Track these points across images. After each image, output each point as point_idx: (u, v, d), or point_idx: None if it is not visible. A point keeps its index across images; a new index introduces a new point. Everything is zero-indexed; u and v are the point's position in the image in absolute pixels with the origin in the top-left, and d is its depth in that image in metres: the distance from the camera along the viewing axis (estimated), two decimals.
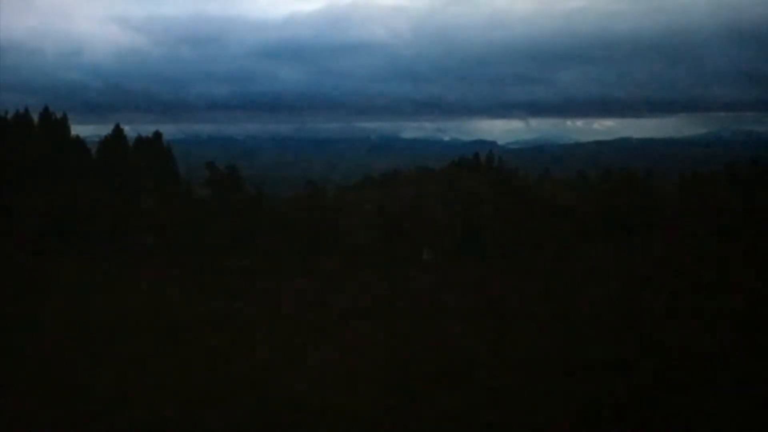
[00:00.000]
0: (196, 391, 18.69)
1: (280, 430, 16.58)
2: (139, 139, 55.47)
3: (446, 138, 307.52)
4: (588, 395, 18.21)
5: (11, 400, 17.81)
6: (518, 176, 67.03)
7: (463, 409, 17.64)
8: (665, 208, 51.58)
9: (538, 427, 16.56)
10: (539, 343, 23.55)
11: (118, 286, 33.48)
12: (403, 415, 17.23)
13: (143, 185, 49.88)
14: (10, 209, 42.76)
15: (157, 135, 56.06)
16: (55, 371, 20.29)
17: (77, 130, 55.52)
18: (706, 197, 52.96)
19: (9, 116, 52.25)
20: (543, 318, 27.23)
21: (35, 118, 53.03)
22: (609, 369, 20.53)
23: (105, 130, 55.90)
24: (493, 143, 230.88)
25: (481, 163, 68.96)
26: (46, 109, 53.76)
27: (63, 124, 54.01)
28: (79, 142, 54.47)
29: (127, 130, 55.67)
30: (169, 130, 76.64)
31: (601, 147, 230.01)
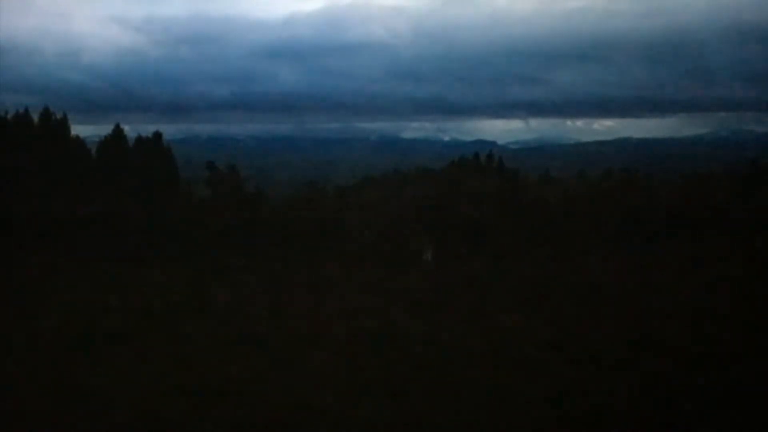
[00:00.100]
0: (195, 391, 18.69)
1: (280, 429, 16.59)
2: (139, 139, 55.45)
3: (446, 138, 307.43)
4: (590, 394, 18.20)
5: (10, 399, 17.82)
6: (518, 176, 67.06)
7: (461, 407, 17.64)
8: (665, 208, 51.55)
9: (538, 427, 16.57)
10: (539, 344, 23.55)
11: (118, 287, 33.45)
12: (398, 415, 17.24)
13: (143, 185, 49.85)
14: (10, 209, 42.75)
15: (157, 135, 56.04)
16: (55, 371, 20.29)
17: (77, 130, 55.54)
18: (706, 197, 52.97)
19: (9, 116, 52.25)
20: (543, 318, 27.22)
21: (35, 118, 53.02)
22: (610, 369, 20.54)
23: (105, 130, 55.92)
24: (493, 143, 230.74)
25: (481, 163, 68.97)
26: (46, 109, 53.75)
27: (63, 124, 53.99)
28: (79, 142, 54.46)
29: (127, 130, 55.68)
30: (169, 130, 76.66)
31: (601, 147, 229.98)
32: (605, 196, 54.63)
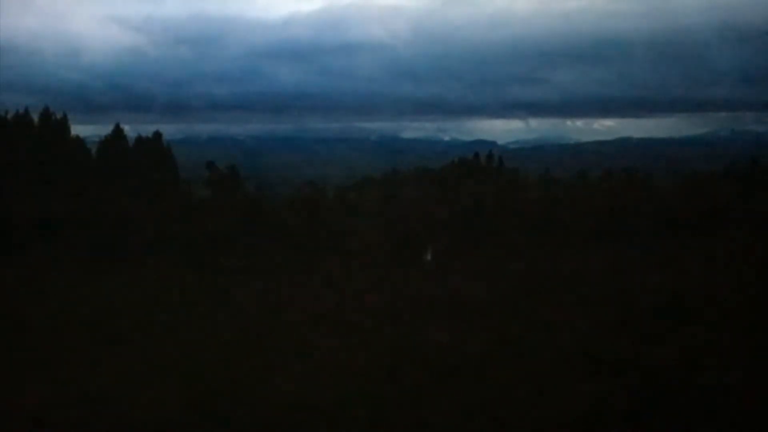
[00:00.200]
0: (192, 391, 18.68)
1: (280, 429, 16.59)
2: (139, 139, 55.49)
3: (446, 138, 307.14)
4: (591, 394, 18.20)
5: (10, 399, 17.82)
6: (518, 176, 67.06)
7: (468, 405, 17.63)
8: (665, 208, 51.53)
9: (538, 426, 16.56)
10: (540, 343, 23.54)
11: (118, 286, 33.44)
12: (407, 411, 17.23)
13: (143, 185, 49.84)
14: (10, 209, 42.73)
15: (157, 135, 56.08)
16: (54, 370, 20.28)
17: (77, 130, 55.58)
18: (706, 197, 52.94)
19: (9, 116, 52.24)
20: (543, 318, 27.21)
21: (35, 118, 53.02)
22: (612, 368, 20.53)
23: (105, 130, 55.96)
24: (493, 143, 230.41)
25: (481, 163, 68.99)
26: (46, 109, 53.76)
27: (63, 124, 54.00)
28: (79, 142, 54.48)
29: (127, 130, 55.72)
30: (169, 130, 76.55)
31: (601, 147, 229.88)
32: (605, 196, 54.61)
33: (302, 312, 28.92)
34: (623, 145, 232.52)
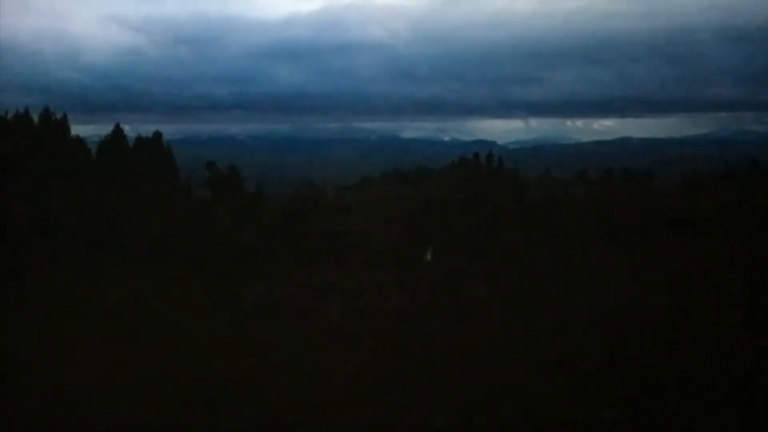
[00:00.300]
0: (192, 391, 18.66)
1: (280, 429, 16.57)
2: (139, 139, 55.45)
3: (446, 138, 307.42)
4: (592, 394, 18.19)
5: (9, 399, 17.80)
6: (518, 176, 67.07)
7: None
8: (665, 208, 51.52)
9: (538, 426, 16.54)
10: (541, 343, 23.52)
11: (117, 286, 33.42)
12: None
13: (143, 185, 49.81)
14: (10, 209, 42.69)
15: (157, 135, 56.04)
16: (54, 371, 20.26)
17: (77, 130, 55.52)
18: (706, 197, 52.94)
19: (9, 116, 52.22)
20: (543, 318, 27.20)
21: (35, 118, 52.99)
22: (614, 368, 20.52)
23: (105, 130, 55.93)
24: (493, 143, 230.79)
25: (481, 163, 69.00)
26: (46, 109, 53.72)
27: (63, 124, 53.97)
28: (79, 142, 54.45)
29: (127, 130, 55.67)
30: (169, 130, 76.56)
31: (601, 147, 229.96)
32: (605, 196, 54.61)
33: (302, 312, 28.91)
34: (623, 145, 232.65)
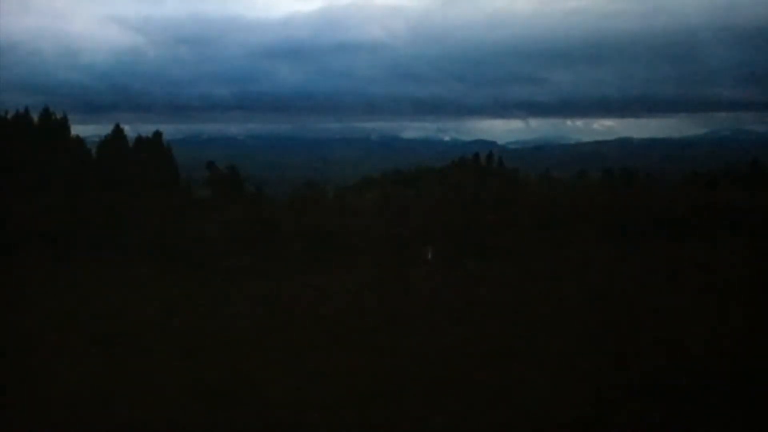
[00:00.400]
0: (197, 392, 18.67)
1: (279, 429, 16.58)
2: (139, 139, 55.59)
3: (446, 138, 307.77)
4: (591, 394, 18.19)
5: (9, 401, 17.81)
6: (518, 176, 67.18)
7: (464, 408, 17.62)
8: (665, 208, 51.54)
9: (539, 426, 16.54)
10: (541, 343, 23.51)
11: (117, 286, 33.43)
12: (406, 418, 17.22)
13: (143, 185, 49.88)
14: (9, 209, 42.73)
15: (157, 135, 56.20)
16: (55, 372, 20.27)
17: (77, 130, 55.72)
18: (706, 197, 53.00)
19: (9, 116, 52.28)
20: (544, 318, 27.19)
21: (35, 118, 53.07)
22: (612, 368, 20.51)
23: (105, 130, 56.11)
24: (493, 143, 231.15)
25: (481, 163, 69.14)
26: (46, 109, 53.88)
27: (63, 124, 54.09)
28: (79, 142, 54.57)
29: (127, 130, 55.82)
30: (169, 130, 76.79)
31: (601, 147, 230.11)
32: (605, 196, 54.66)
33: (303, 312, 28.90)
34: (623, 145, 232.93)
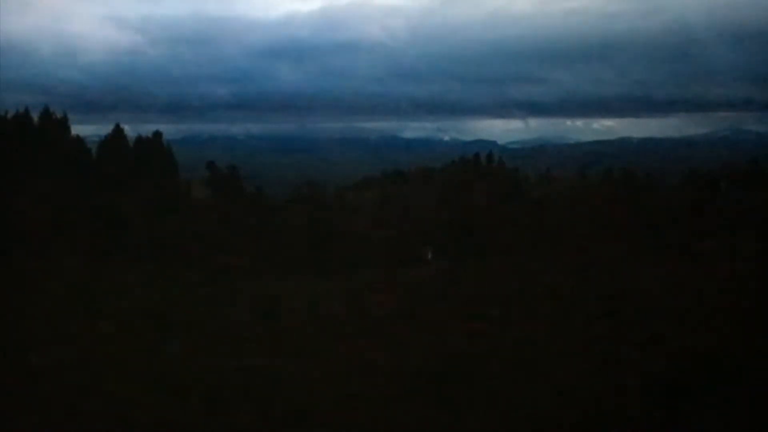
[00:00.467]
0: (192, 391, 18.66)
1: (279, 428, 16.57)
2: (139, 139, 55.54)
3: (446, 138, 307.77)
4: (591, 395, 18.19)
5: (10, 400, 17.80)
6: (518, 176, 67.16)
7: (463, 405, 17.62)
8: (665, 208, 51.55)
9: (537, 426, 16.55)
10: (541, 342, 23.53)
11: (117, 286, 33.44)
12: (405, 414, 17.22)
13: (143, 185, 49.86)
14: (10, 209, 42.68)
15: (157, 135, 56.15)
16: (56, 373, 20.26)
17: (77, 129, 55.65)
18: (706, 197, 53.00)
19: (9, 116, 52.25)
20: (544, 317, 27.20)
21: (35, 118, 53.04)
22: (613, 368, 20.52)
23: (105, 130, 56.06)
24: (493, 143, 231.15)
25: (481, 163, 69.07)
26: (46, 109, 53.82)
27: (63, 124, 54.04)
28: (79, 141, 54.52)
29: (127, 130, 55.77)
30: (169, 130, 76.76)
31: (601, 147, 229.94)
32: (605, 196, 54.65)
33: (303, 312, 28.91)
34: (623, 145, 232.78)
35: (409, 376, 19.99)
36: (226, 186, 55.09)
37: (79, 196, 45.86)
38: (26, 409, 17.24)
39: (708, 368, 19.86)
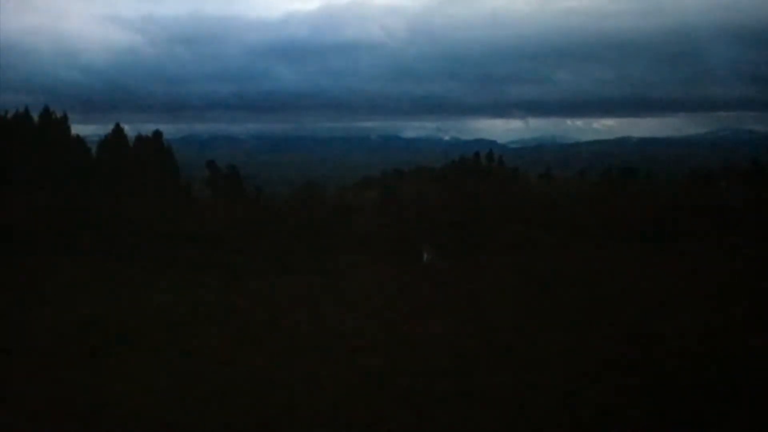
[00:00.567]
0: (201, 392, 18.67)
1: (280, 428, 16.58)
2: (139, 139, 55.57)
3: (446, 137, 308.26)
4: (590, 395, 18.18)
5: (10, 401, 17.81)
6: (518, 175, 67.19)
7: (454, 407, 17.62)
8: (665, 208, 51.58)
9: (536, 426, 16.54)
10: (541, 343, 23.51)
11: (117, 286, 33.43)
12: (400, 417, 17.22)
13: (143, 185, 49.89)
14: (10, 209, 42.73)
15: (157, 134, 56.18)
16: (56, 374, 20.26)
17: (77, 129, 55.73)
18: (706, 197, 53.03)
19: (9, 116, 52.29)
20: (544, 317, 27.19)
21: (35, 117, 53.08)
22: (613, 368, 20.50)
23: (105, 129, 56.10)
24: (493, 143, 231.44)
25: (481, 163, 69.10)
26: (46, 109, 53.85)
27: (63, 124, 54.08)
28: (79, 141, 54.56)
29: (127, 129, 55.80)
30: (169, 130, 76.96)
31: (601, 146, 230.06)
32: (605, 196, 54.68)
33: (303, 312, 28.90)
34: (623, 144, 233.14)
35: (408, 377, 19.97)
36: (226, 186, 55.13)
37: (79, 196, 45.88)
38: (23, 410, 17.27)
39: (705, 366, 19.90)
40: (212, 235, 45.74)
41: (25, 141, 50.16)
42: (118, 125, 54.78)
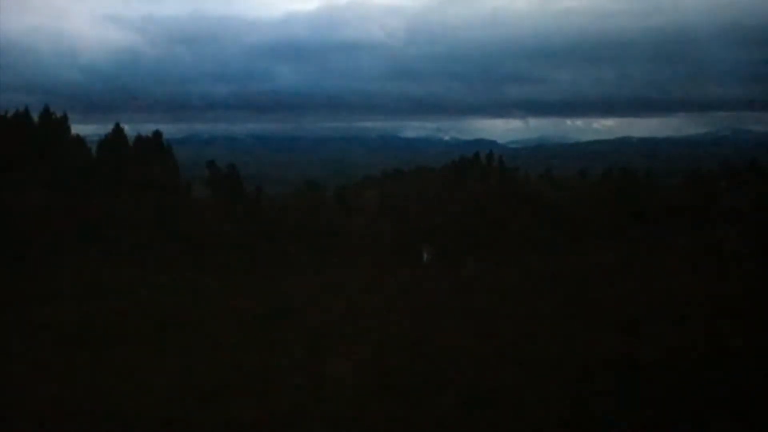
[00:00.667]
0: (201, 393, 18.68)
1: (278, 427, 16.59)
2: (139, 139, 55.55)
3: (446, 137, 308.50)
4: (590, 396, 18.18)
5: (10, 401, 17.81)
6: (518, 176, 67.17)
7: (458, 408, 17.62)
8: (665, 208, 51.59)
9: (535, 427, 16.54)
10: (541, 342, 23.52)
11: (118, 286, 33.45)
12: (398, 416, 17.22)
13: (143, 185, 49.89)
14: (9, 209, 42.72)
15: (157, 134, 56.16)
16: (57, 374, 20.26)
17: (77, 129, 55.67)
18: (705, 197, 53.04)
19: (9, 116, 52.29)
20: (544, 317, 27.19)
21: (35, 117, 53.07)
22: (613, 368, 20.50)
23: (105, 129, 56.06)
24: (493, 143, 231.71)
25: (481, 163, 69.08)
26: (46, 108, 53.82)
27: (63, 124, 54.07)
28: (79, 141, 54.56)
29: (127, 129, 55.77)
30: (169, 130, 76.85)
31: (601, 147, 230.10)
32: (605, 196, 54.69)
33: (303, 312, 28.91)
34: (623, 144, 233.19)
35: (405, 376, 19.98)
36: (226, 186, 55.12)
37: (79, 196, 45.89)
38: (24, 410, 17.27)
39: (706, 367, 19.90)
40: (212, 234, 45.75)
41: (25, 141, 50.15)
42: (118, 125, 54.77)
